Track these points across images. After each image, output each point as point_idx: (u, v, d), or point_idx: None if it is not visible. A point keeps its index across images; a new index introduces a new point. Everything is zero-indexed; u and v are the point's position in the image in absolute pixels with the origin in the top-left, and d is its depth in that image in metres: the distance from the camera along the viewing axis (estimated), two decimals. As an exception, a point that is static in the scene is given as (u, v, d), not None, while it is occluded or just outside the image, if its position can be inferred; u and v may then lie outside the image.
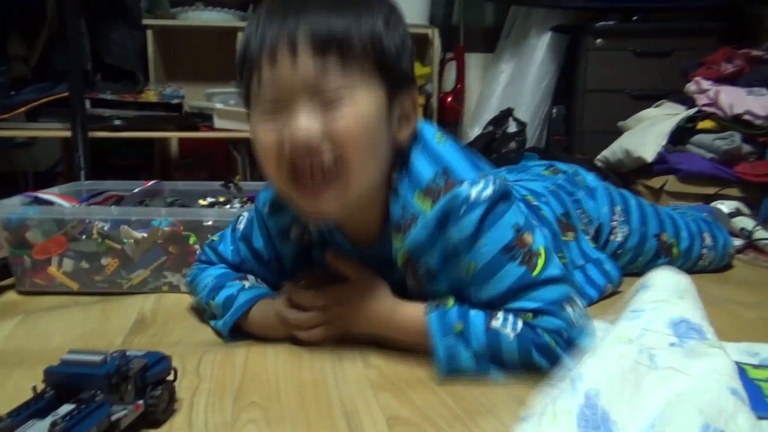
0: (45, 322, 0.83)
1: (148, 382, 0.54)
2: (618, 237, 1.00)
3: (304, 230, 0.75)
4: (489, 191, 0.63)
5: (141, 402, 0.52)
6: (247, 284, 0.77)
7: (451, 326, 0.63)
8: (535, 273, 0.63)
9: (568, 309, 0.63)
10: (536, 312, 0.62)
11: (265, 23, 0.59)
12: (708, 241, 1.09)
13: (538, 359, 0.62)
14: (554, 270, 0.64)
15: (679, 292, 0.63)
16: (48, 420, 0.47)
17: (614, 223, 1.00)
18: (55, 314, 0.87)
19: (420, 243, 0.65)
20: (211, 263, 0.83)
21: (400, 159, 0.66)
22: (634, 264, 1.04)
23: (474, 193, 0.63)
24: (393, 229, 0.68)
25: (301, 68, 0.58)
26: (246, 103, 0.65)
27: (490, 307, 0.65)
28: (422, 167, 0.65)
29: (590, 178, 1.03)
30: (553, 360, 0.61)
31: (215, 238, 0.85)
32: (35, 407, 0.49)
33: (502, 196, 0.64)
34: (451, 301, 0.66)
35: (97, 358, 0.51)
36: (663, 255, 1.05)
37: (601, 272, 0.92)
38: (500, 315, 0.63)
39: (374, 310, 0.69)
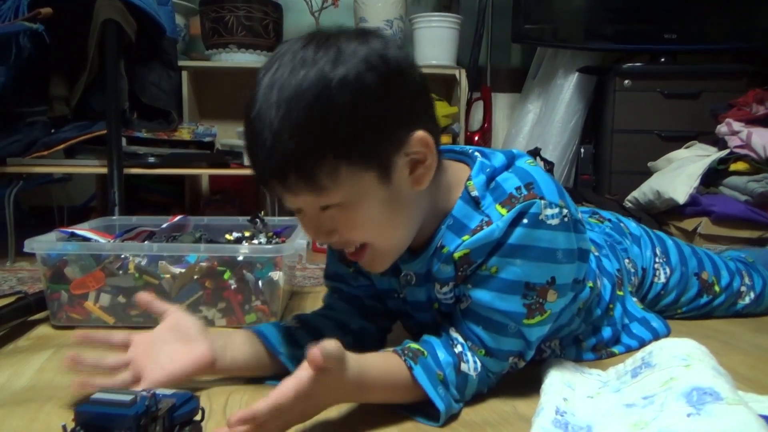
0: (75, 357, 0.84)
1: (176, 422, 0.54)
2: (661, 279, 1.00)
3: None
4: (556, 221, 0.64)
5: None
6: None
7: (435, 375, 0.64)
8: (527, 321, 0.66)
9: (510, 360, 0.69)
10: (488, 352, 0.67)
11: (248, 157, 0.63)
12: (747, 279, 1.08)
13: (483, 390, 0.69)
14: (537, 333, 0.68)
15: (683, 360, 0.63)
16: None
17: (656, 265, 1.00)
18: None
19: (486, 242, 0.65)
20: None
21: (487, 174, 0.68)
22: (677, 305, 1.03)
23: (544, 213, 0.64)
24: (449, 229, 0.68)
25: (290, 197, 0.62)
26: None
27: (466, 313, 0.68)
28: (509, 181, 0.67)
29: (633, 226, 1.03)
30: (484, 392, 0.69)
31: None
32: None
33: (571, 250, 0.66)
34: (419, 348, 0.66)
35: (127, 398, 0.51)
36: (705, 294, 1.04)
37: (647, 328, 0.90)
38: (464, 355, 0.66)
39: (340, 386, 0.58)
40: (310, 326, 0.78)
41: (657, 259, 1.00)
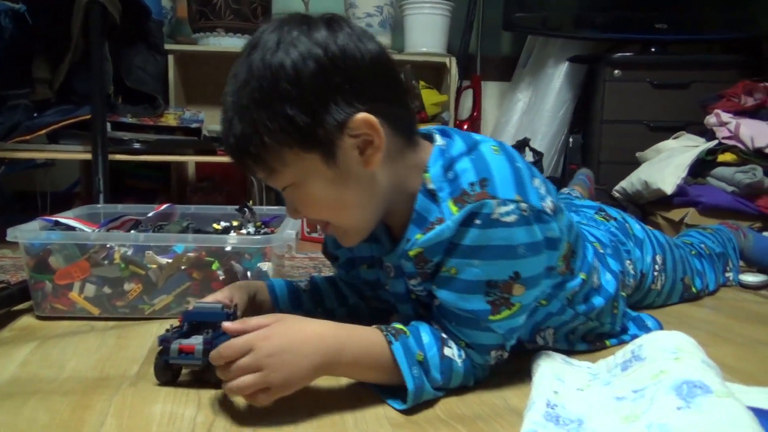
0: (60, 349, 0.83)
1: None
2: (657, 286, 1.02)
3: None
4: (513, 217, 0.63)
5: None
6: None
7: (414, 355, 0.65)
8: (493, 317, 0.66)
9: (494, 353, 0.69)
10: (468, 345, 0.68)
11: None
12: (704, 279, 1.15)
13: (468, 382, 0.69)
14: (507, 326, 0.67)
15: (672, 353, 0.64)
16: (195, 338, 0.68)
17: (656, 273, 1.01)
18: (71, 340, 0.86)
19: (437, 241, 0.65)
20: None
21: (445, 163, 0.67)
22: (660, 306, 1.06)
23: (497, 212, 0.62)
24: (413, 223, 0.68)
25: (257, 176, 0.68)
26: None
27: (440, 310, 0.68)
28: (466, 173, 0.65)
29: (637, 228, 1.03)
30: (470, 385, 0.69)
31: None
32: (180, 333, 0.70)
33: (534, 243, 0.65)
34: (403, 328, 0.67)
35: (218, 306, 0.72)
36: (686, 295, 1.09)
37: (640, 327, 0.90)
38: (448, 341, 0.67)
39: (316, 334, 0.62)
40: (317, 291, 0.89)
41: (656, 267, 1.00)
